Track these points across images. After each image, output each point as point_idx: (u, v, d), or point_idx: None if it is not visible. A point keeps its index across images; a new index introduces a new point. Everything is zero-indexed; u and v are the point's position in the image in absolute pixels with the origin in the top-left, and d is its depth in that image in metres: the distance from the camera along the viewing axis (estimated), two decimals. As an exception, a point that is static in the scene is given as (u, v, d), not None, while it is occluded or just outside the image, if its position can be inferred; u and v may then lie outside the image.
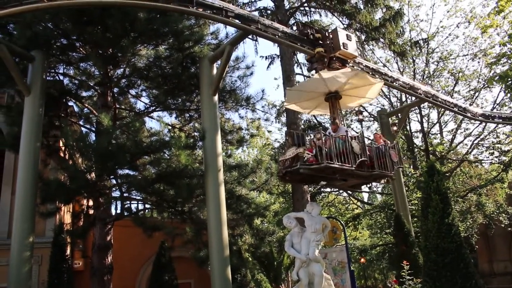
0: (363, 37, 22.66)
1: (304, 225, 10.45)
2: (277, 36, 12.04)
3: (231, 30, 17.96)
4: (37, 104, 12.05)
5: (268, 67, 24.68)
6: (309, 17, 23.82)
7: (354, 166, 9.61)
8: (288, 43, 12.32)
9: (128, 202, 16.19)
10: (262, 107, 20.92)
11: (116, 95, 15.22)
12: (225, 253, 11.76)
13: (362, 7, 21.51)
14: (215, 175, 12.11)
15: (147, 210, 17.80)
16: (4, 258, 13.61)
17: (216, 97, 12.80)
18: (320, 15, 23.81)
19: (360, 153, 9.84)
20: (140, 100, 16.85)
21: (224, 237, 11.81)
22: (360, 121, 12.21)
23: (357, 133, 10.87)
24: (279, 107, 26.99)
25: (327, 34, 11.51)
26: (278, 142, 29.24)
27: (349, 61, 11.54)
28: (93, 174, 13.03)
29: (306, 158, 9.47)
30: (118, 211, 16.39)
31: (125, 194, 14.27)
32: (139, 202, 16.60)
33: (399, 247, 15.50)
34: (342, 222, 18.85)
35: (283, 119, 25.81)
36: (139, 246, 18.36)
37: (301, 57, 24.30)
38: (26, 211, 11.37)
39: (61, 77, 15.47)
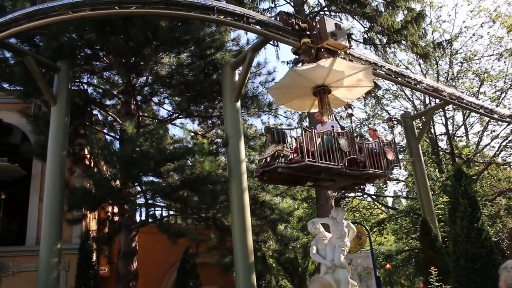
0: (384, 40, 22.41)
1: (329, 231, 10.35)
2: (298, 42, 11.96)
3: (252, 36, 18.00)
4: (63, 113, 12.27)
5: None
6: (330, 21, 23.72)
7: (341, 164, 8.78)
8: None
9: (153, 208, 16.33)
10: (284, 112, 20.92)
11: (139, 103, 15.40)
12: (249, 259, 11.72)
13: (383, 9, 21.28)
14: (238, 181, 12.11)
15: (171, 217, 17.89)
16: (33, 264, 13.87)
17: (238, 103, 12.82)
18: (341, 19, 23.57)
19: (348, 150, 9.00)
20: (163, 108, 17.03)
21: (249, 243, 11.78)
22: (350, 115, 10.78)
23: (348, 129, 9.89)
24: (301, 112, 26.89)
25: (314, 24, 10.68)
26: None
27: (339, 52, 10.47)
28: (118, 182, 13.19)
29: (290, 157, 8.75)
30: (143, 217, 16.58)
31: (149, 201, 14.40)
32: (164, 208, 16.71)
33: (426, 253, 15.22)
34: (367, 227, 18.63)
35: (306, 124, 25.71)
36: (163, 253, 18.46)
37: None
38: (53, 218, 11.57)
39: (86, 86, 15.77)
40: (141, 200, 15.65)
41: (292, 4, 22.32)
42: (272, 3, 22.34)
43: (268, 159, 8.91)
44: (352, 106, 10.06)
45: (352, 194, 28.68)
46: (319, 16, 21.30)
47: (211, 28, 14.06)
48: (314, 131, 8.80)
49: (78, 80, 15.22)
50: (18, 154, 15.46)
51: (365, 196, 29.40)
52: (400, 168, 11.56)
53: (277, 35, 11.06)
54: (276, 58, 26.52)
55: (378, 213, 32.41)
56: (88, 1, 9.86)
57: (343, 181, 9.91)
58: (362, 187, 11.07)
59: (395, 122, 10.72)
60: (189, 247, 15.14)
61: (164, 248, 16.89)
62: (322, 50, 10.09)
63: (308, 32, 10.56)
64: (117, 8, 9.94)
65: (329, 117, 10.20)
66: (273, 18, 11.85)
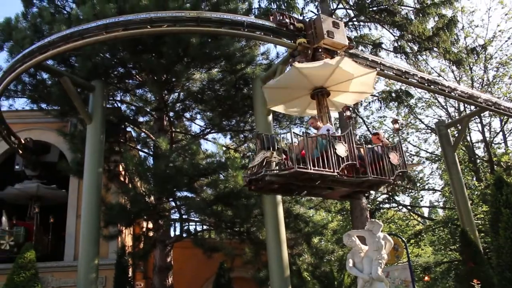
0: (415, 48, 22.11)
1: (365, 243, 10.15)
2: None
3: (282, 49, 18.06)
4: (99, 131, 12.52)
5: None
6: (358, 32, 23.56)
7: (338, 171, 8.09)
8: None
9: (187, 223, 16.43)
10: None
11: (172, 119, 15.61)
12: (285, 273, 11.60)
13: (413, 17, 21.04)
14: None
15: (205, 231, 17.94)
16: (71, 279, 14.12)
17: (270, 117, 12.80)
18: (370, 29, 23.47)
19: (346, 155, 8.31)
20: (195, 123, 17.21)
21: (284, 257, 11.67)
22: (348, 118, 9.50)
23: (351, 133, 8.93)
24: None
25: (310, 23, 10.05)
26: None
27: (339, 52, 9.88)
28: (152, 197, 13.34)
29: (279, 164, 8.08)
30: (178, 232, 16.67)
31: (184, 216, 14.51)
32: (198, 223, 16.78)
33: (467, 265, 14.71)
34: (403, 239, 18.21)
35: (338, 132, 25.47)
36: (198, 267, 18.50)
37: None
38: (91, 234, 11.77)
39: (119, 104, 16.11)
40: (175, 215, 15.80)
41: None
42: (300, 15, 22.37)
43: (257, 167, 8.20)
44: (350, 108, 9.22)
45: (387, 205, 28.19)
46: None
47: (240, 43, 14.17)
48: (306, 136, 8.20)
49: (112, 98, 15.57)
50: (55, 172, 15.93)
51: (400, 207, 28.82)
52: (406, 173, 9.91)
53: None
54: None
55: (414, 224, 31.69)
56: (120, 21, 10.09)
57: (343, 189, 9.19)
58: (366, 195, 10.46)
59: (400, 124, 9.65)
60: (224, 261, 15.11)
61: (199, 263, 16.93)
62: (320, 50, 9.57)
63: (304, 32, 10.00)
64: (149, 27, 10.11)
65: (327, 121, 9.49)
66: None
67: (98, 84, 12.99)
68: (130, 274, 15.13)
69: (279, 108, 10.98)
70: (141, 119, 16.71)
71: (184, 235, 15.69)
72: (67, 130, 16.15)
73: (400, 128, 9.31)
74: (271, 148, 8.00)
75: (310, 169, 7.81)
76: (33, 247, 15.56)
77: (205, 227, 17.28)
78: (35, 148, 16.95)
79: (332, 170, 7.98)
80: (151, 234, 15.69)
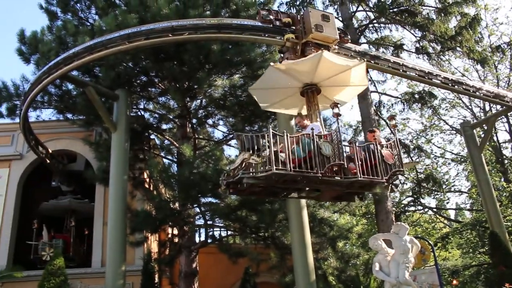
0: (438, 48, 21.85)
1: (391, 247, 10.04)
2: (349, 56, 11.80)
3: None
4: (123, 139, 12.71)
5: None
6: (379, 34, 23.41)
7: (322, 172, 7.61)
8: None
9: (212, 229, 16.51)
10: (341, 127, 20.67)
11: (194, 125, 15.73)
12: (311, 278, 11.56)
13: (434, 17, 20.83)
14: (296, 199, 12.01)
15: (230, 237, 17.99)
16: (99, 286, 14.29)
17: (293, 121, 12.80)
18: (391, 30, 23.31)
19: (331, 155, 7.81)
20: (218, 129, 17.31)
21: (310, 261, 11.63)
22: (336, 115, 8.65)
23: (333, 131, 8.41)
24: (355, 127, 26.53)
25: (299, 18, 9.62)
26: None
27: (331, 46, 9.41)
28: (177, 204, 13.46)
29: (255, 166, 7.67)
30: (203, 238, 16.76)
31: (208, 222, 14.58)
32: (223, 229, 16.85)
33: (498, 268, 14.40)
34: (430, 242, 17.92)
35: (361, 138, 25.30)
36: (223, 272, 18.54)
37: (374, 74, 23.81)
38: (117, 241, 11.93)
39: (143, 112, 16.33)
40: (200, 221, 15.92)
41: (340, 19, 22.23)
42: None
43: (237, 169, 7.83)
44: (338, 105, 8.45)
45: (412, 208, 27.80)
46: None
47: (261, 48, 14.22)
48: (287, 135, 7.69)
49: (135, 107, 15.79)
50: (82, 180, 16.24)
51: (426, 209, 28.39)
52: (403, 174, 9.36)
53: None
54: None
55: (440, 226, 31.18)
56: (142, 31, 10.25)
57: (332, 191, 8.71)
58: (360, 196, 9.57)
59: (397, 121, 8.56)
60: (249, 266, 15.12)
61: (224, 268, 16.96)
62: (310, 45, 9.15)
63: (294, 27, 9.60)
64: (170, 35, 10.22)
65: (317, 119, 9.04)
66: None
67: (122, 93, 13.19)
68: (157, 280, 15.24)
69: (274, 109, 10.63)
70: (164, 126, 16.92)
71: (209, 240, 15.78)
72: (92, 139, 16.45)
73: (397, 124, 8.31)
74: (251, 149, 7.65)
75: (290, 170, 7.40)
76: (71, 257, 16.21)
77: (229, 232, 17.34)
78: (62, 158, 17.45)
79: (315, 171, 7.57)
80: (176, 240, 15.82)
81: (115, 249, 11.87)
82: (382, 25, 23.02)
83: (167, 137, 16.80)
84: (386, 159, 8.36)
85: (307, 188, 8.47)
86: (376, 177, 8.13)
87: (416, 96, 22.83)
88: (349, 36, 10.62)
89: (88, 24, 15.16)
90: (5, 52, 58.14)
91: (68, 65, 10.73)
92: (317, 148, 7.64)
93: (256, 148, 7.61)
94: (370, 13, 23.34)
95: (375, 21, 23.00)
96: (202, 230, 16.88)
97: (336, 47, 9.75)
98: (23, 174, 17.61)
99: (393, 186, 9.01)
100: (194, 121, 15.72)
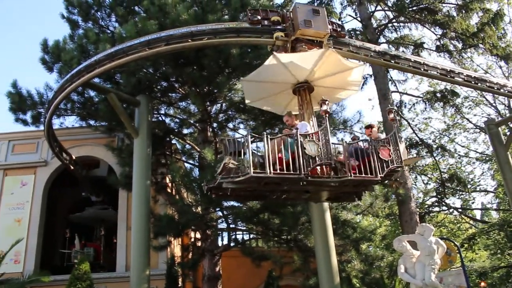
0: (459, 46, 21.54)
1: (416, 248, 9.92)
2: (369, 56, 11.70)
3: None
4: (145, 145, 12.81)
5: (361, 87, 24.13)
6: (398, 33, 23.20)
7: (305, 173, 7.32)
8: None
9: (234, 233, 16.53)
10: (360, 129, 20.52)
11: (215, 129, 15.78)
12: (335, 281, 11.46)
13: (455, 14, 20.54)
14: (319, 201, 11.96)
15: (252, 240, 18.00)
16: (124, 290, 14.46)
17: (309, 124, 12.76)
18: (410, 29, 23.11)
19: (316, 155, 7.53)
20: (238, 133, 17.33)
21: (333, 264, 11.55)
22: (325, 113, 8.21)
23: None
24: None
25: (288, 15, 9.37)
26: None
27: (323, 41, 9.04)
28: (199, 208, 13.50)
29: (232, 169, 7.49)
30: (225, 242, 16.80)
31: (231, 225, 14.60)
32: (245, 232, 16.86)
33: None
34: (456, 243, 17.62)
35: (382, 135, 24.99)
36: (247, 276, 18.55)
37: (394, 74, 23.58)
38: (141, 245, 12.01)
39: (163, 117, 16.48)
40: (223, 225, 15.92)
41: (359, 19, 22.11)
42: (338, 20, 22.25)
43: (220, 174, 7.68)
44: (327, 102, 8.14)
45: (436, 209, 27.38)
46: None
47: (278, 49, 14.19)
48: (267, 137, 7.46)
49: (156, 112, 15.94)
50: (105, 186, 16.45)
51: (451, 210, 27.93)
52: (403, 170, 9.00)
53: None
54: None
55: (466, 227, 30.63)
56: (162, 37, 10.30)
57: (323, 191, 8.45)
58: (358, 195, 9.18)
59: (396, 115, 7.91)
60: (273, 269, 15.10)
61: (247, 272, 16.97)
62: (302, 42, 8.90)
63: (284, 25, 9.38)
64: (190, 40, 10.25)
65: (310, 118, 8.80)
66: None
67: (143, 99, 13.31)
68: (180, 284, 15.36)
69: (258, 104, 10.43)
70: (185, 131, 17.02)
71: (232, 244, 15.80)
72: (115, 145, 16.67)
73: (395, 118, 7.80)
74: (232, 153, 7.50)
75: (270, 173, 7.17)
76: (101, 265, 17.16)
77: (252, 235, 17.35)
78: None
79: (298, 172, 7.28)
80: (199, 244, 15.90)
81: (139, 254, 11.96)
82: (401, 24, 22.82)
83: (188, 142, 16.91)
84: (382, 156, 8.04)
85: (295, 190, 8.20)
86: (369, 175, 7.84)
87: (438, 95, 22.53)
88: (346, 30, 10.39)
89: (109, 31, 15.37)
90: (29, 61, 59.43)
91: (90, 73, 10.84)
92: (301, 148, 7.42)
93: (239, 152, 7.48)
94: (389, 13, 23.17)
95: (394, 20, 22.81)
96: (225, 234, 16.92)
97: (331, 42, 9.51)
98: (48, 180, 17.94)
99: (396, 183, 8.84)
100: (214, 125, 15.77)
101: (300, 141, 7.47)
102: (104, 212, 19.09)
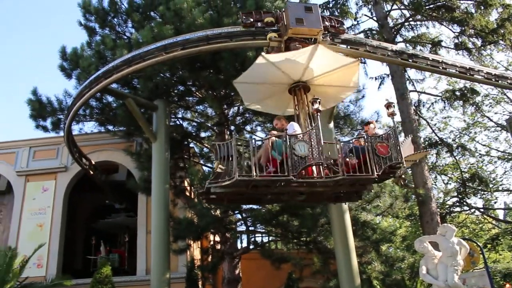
0: (478, 43, 21.20)
1: (438, 249, 9.77)
2: (386, 56, 11.58)
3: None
4: (163, 149, 12.90)
5: (379, 87, 23.98)
6: (415, 31, 22.94)
7: (294, 174, 7.19)
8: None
9: (253, 235, 16.53)
10: (379, 129, 20.34)
11: (233, 132, 15.81)
12: (356, 282, 11.40)
13: (473, 11, 20.24)
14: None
15: (272, 242, 17.97)
16: (145, 293, 14.53)
17: (331, 124, 12.69)
18: (427, 27, 22.82)
19: (307, 155, 7.35)
20: (256, 135, 17.32)
21: (354, 265, 11.48)
22: (317, 111, 7.92)
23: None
24: (395, 127, 25.96)
25: (281, 15, 9.20)
26: (397, 163, 27.93)
27: (318, 39, 8.83)
28: (218, 211, 13.51)
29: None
30: (245, 244, 16.79)
31: (250, 228, 14.58)
32: (264, 234, 16.85)
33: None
34: (479, 244, 17.32)
35: (401, 139, 24.68)
36: (266, 278, 18.49)
37: (412, 73, 23.31)
38: (161, 249, 12.11)
39: (181, 121, 16.56)
40: (242, 227, 15.94)
41: (375, 19, 21.94)
42: (354, 20, 22.11)
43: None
44: (318, 100, 7.88)
45: (458, 209, 26.95)
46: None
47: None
48: (252, 141, 7.50)
49: (174, 116, 16.03)
50: (125, 190, 16.59)
51: (473, 210, 27.46)
52: (405, 167, 8.17)
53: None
54: (365, 75, 25.86)
55: (489, 227, 30.08)
56: (178, 41, 10.34)
57: (321, 192, 8.19)
58: (359, 194, 8.92)
59: (394, 109, 7.49)
60: (292, 271, 15.04)
61: (267, 274, 16.92)
62: (295, 41, 8.70)
63: (277, 25, 9.23)
64: (206, 44, 10.29)
65: (305, 119, 8.61)
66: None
67: (161, 103, 13.41)
68: (200, 287, 15.37)
69: (257, 106, 10.24)
70: (203, 134, 17.10)
71: (251, 246, 15.80)
72: (133, 150, 16.80)
73: (395, 113, 7.46)
74: (223, 158, 7.49)
75: (256, 175, 7.13)
76: (126, 270, 17.49)
77: (271, 238, 17.32)
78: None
79: (286, 174, 7.18)
80: (218, 247, 15.91)
81: (159, 257, 12.05)
82: (418, 22, 22.57)
83: (206, 145, 16.96)
84: (379, 153, 7.78)
85: (288, 192, 8.07)
86: (364, 174, 7.60)
87: (457, 93, 22.21)
88: (345, 26, 10.16)
89: (125, 37, 15.52)
90: (48, 69, 60.37)
91: (108, 78, 10.95)
92: (289, 149, 7.31)
93: (231, 156, 7.45)
94: (405, 11, 22.95)
95: (410, 19, 22.57)
96: (244, 236, 16.95)
97: (327, 39, 9.33)
98: (68, 185, 18.16)
99: (401, 181, 8.63)
100: (232, 128, 15.81)
101: (289, 142, 7.35)
102: (128, 219, 19.35)
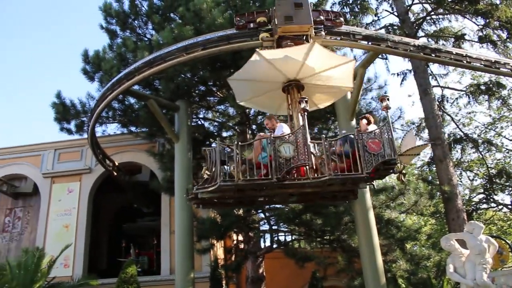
0: (504, 35, 20.73)
1: (465, 247, 9.58)
2: (408, 51, 11.40)
3: (358, 52, 17.67)
4: (186, 149, 12.98)
5: (401, 83, 23.67)
6: (437, 25, 22.56)
7: (278, 176, 7.02)
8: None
9: (277, 234, 16.49)
10: (401, 125, 20.11)
11: (254, 132, 15.79)
12: (381, 281, 11.27)
13: (498, 2, 19.81)
14: (362, 200, 11.74)
15: (295, 241, 17.90)
16: (169, 292, 14.64)
17: (353, 122, 12.58)
18: (450, 21, 22.41)
19: (292, 156, 7.17)
20: (277, 134, 17.27)
21: (379, 264, 11.37)
22: (303, 111, 7.67)
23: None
24: (418, 124, 25.58)
25: (271, 14, 9.03)
26: (422, 160, 27.60)
27: (310, 34, 8.63)
28: (241, 210, 13.52)
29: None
30: (268, 243, 16.77)
31: (273, 227, 14.55)
32: (288, 233, 16.79)
33: None
34: (508, 241, 16.94)
35: (424, 135, 24.35)
36: (290, 277, 18.45)
37: (434, 68, 22.93)
38: (185, 249, 12.20)
39: (202, 121, 16.60)
40: (265, 227, 15.93)
41: (396, 14, 21.65)
42: (375, 16, 21.85)
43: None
44: (305, 99, 7.64)
45: (485, 206, 26.42)
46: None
47: (316, 49, 14.03)
48: (237, 144, 7.38)
49: (195, 116, 16.09)
50: (148, 191, 16.72)
51: (500, 206, 26.87)
52: (399, 162, 7.62)
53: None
54: (387, 71, 25.50)
55: (517, 224, 29.40)
56: (199, 41, 10.39)
57: (312, 193, 7.97)
58: (355, 193, 8.63)
59: (389, 102, 7.01)
60: (316, 270, 14.96)
61: (291, 273, 16.89)
62: (287, 39, 8.47)
63: (270, 25, 9.04)
64: (226, 44, 10.29)
65: (298, 119, 8.33)
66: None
67: (182, 104, 13.49)
68: (224, 286, 15.41)
69: (249, 104, 10.06)
70: (224, 134, 17.11)
71: (275, 245, 15.76)
72: (156, 150, 16.91)
73: (389, 106, 7.64)
74: (214, 163, 7.36)
75: (238, 180, 7.04)
76: (155, 272, 17.52)
77: (295, 236, 17.24)
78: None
79: (270, 177, 7.03)
80: (242, 246, 15.93)
81: (183, 257, 12.14)
82: (440, 16, 22.19)
83: (228, 145, 16.97)
84: (370, 149, 7.37)
85: (278, 194, 7.95)
86: (353, 173, 7.27)
87: (482, 87, 21.80)
88: (342, 19, 9.80)
89: (146, 39, 15.63)
90: (71, 73, 61.38)
91: (130, 80, 11.06)
92: (274, 151, 7.16)
93: (222, 161, 7.35)
94: (426, 5, 22.60)
95: (432, 13, 22.21)
96: (267, 236, 16.91)
97: (322, 33, 9.09)
98: (92, 186, 18.41)
99: (402, 177, 8.36)
100: (253, 127, 15.78)
101: (274, 144, 7.21)
102: (155, 223, 19.63)
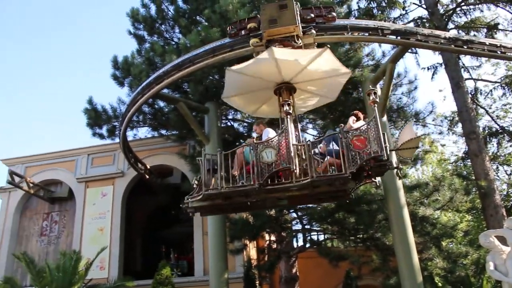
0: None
1: (505, 244, 9.30)
2: (439, 44, 11.14)
3: (386, 47, 17.36)
4: (216, 151, 12.98)
5: (432, 77, 23.10)
6: (468, 16, 21.94)
7: (260, 182, 7.01)
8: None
9: (309, 233, 16.40)
10: (433, 120, 19.67)
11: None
12: (417, 280, 11.08)
13: (534, -12, 19.18)
14: (395, 197, 11.59)
15: (328, 240, 17.77)
16: (203, 293, 14.74)
17: (384, 118, 12.39)
18: (481, 11, 21.73)
19: (274, 161, 7.12)
20: (307, 133, 17.14)
21: (415, 262, 11.16)
22: (286, 114, 7.58)
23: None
24: (450, 118, 24.99)
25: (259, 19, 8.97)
26: (455, 155, 26.97)
27: (298, 35, 8.48)
28: (273, 210, 13.50)
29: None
30: (301, 243, 16.70)
31: (306, 226, 14.48)
32: (320, 232, 16.68)
33: None
34: (550, 236, 16.37)
35: (458, 129, 23.75)
36: (324, 277, 18.32)
37: (466, 60, 22.33)
38: (219, 250, 12.26)
39: (231, 123, 16.65)
40: (297, 226, 15.86)
41: (424, 6, 21.21)
42: (403, 10, 21.44)
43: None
44: (288, 102, 7.60)
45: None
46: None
47: (344, 47, 13.91)
48: (220, 153, 7.53)
49: (224, 118, 16.14)
50: (180, 193, 16.84)
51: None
52: (388, 159, 7.15)
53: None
54: (417, 65, 25.02)
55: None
56: (226, 43, 10.40)
57: (302, 195, 7.66)
58: (351, 191, 8.14)
59: (375, 96, 6.63)
60: (351, 269, 14.80)
61: (324, 272, 16.78)
62: (276, 42, 8.32)
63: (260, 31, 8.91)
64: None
65: (296, 122, 8.34)
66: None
67: (211, 106, 13.56)
68: (258, 286, 15.42)
69: (259, 113, 9.94)
70: (254, 134, 17.09)
71: (308, 245, 15.69)
72: (186, 153, 17.06)
73: (376, 101, 7.32)
74: (209, 171, 7.50)
75: (223, 188, 7.15)
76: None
77: (328, 235, 17.11)
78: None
79: (251, 183, 7.04)
80: (275, 246, 15.91)
81: (217, 258, 12.21)
82: (471, 6, 21.57)
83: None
84: (355, 147, 7.11)
85: (267, 198, 7.78)
86: (337, 173, 7.03)
87: (519, 78, 21.14)
88: (334, 14, 9.55)
89: (174, 43, 15.79)
90: (102, 79, 62.47)
91: (159, 84, 11.18)
92: (255, 157, 7.18)
93: (214, 169, 7.48)
94: (456, -4, 22.06)
95: (463, 3, 21.63)
96: (300, 235, 16.83)
97: (313, 31, 8.83)
98: (125, 190, 18.72)
99: (399, 172, 8.06)
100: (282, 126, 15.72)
101: (256, 149, 7.24)
102: (192, 229, 19.95)
